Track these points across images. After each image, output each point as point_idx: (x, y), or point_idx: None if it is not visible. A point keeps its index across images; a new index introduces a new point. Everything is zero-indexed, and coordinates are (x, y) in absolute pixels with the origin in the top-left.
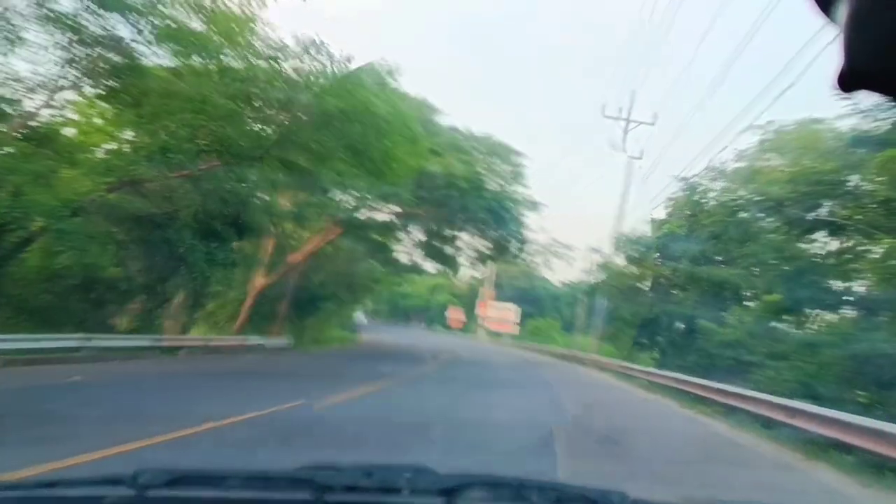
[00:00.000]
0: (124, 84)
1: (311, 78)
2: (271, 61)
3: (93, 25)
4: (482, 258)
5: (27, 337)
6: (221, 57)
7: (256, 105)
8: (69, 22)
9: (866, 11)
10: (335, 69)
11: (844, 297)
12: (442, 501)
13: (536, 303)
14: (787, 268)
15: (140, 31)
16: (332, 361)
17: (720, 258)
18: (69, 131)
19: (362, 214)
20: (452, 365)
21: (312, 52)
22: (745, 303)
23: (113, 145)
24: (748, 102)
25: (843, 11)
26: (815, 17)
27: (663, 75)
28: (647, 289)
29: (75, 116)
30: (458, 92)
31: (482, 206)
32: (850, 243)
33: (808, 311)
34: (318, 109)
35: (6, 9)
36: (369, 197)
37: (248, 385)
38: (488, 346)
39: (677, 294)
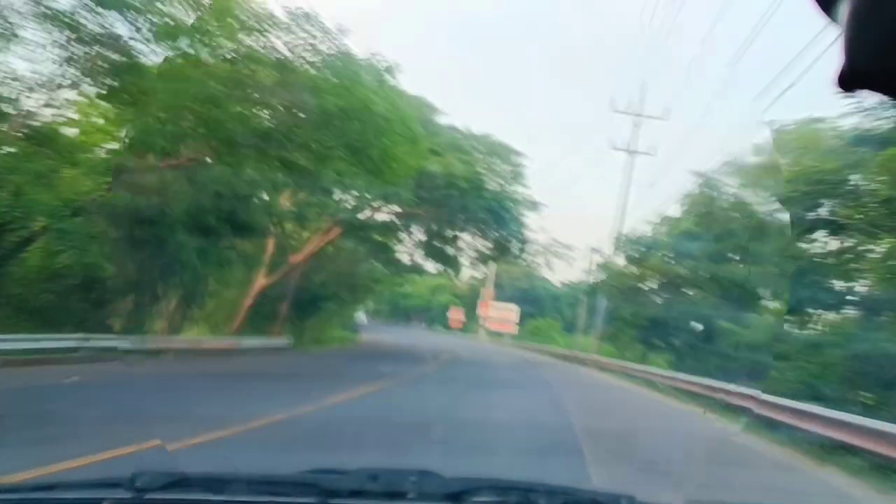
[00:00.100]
0: (123, 83)
1: (304, 55)
2: (257, 34)
3: (91, 23)
4: (483, 258)
5: (26, 337)
6: (207, 35)
7: (248, 84)
8: (67, 20)
9: (867, 11)
10: (330, 46)
11: (846, 297)
12: None
13: (537, 303)
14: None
15: (138, 29)
16: (332, 361)
17: (737, 257)
18: (70, 131)
19: (363, 215)
20: (453, 365)
21: (303, 23)
22: (763, 302)
23: (114, 145)
24: (748, 102)
25: (843, 11)
26: (816, 16)
27: (668, 75)
28: (647, 289)
29: (76, 116)
30: (458, 92)
31: (482, 206)
32: (852, 243)
33: (810, 311)
34: (318, 109)
35: (3, 6)
36: (369, 197)
37: (248, 385)
38: (489, 347)
39: (693, 294)
